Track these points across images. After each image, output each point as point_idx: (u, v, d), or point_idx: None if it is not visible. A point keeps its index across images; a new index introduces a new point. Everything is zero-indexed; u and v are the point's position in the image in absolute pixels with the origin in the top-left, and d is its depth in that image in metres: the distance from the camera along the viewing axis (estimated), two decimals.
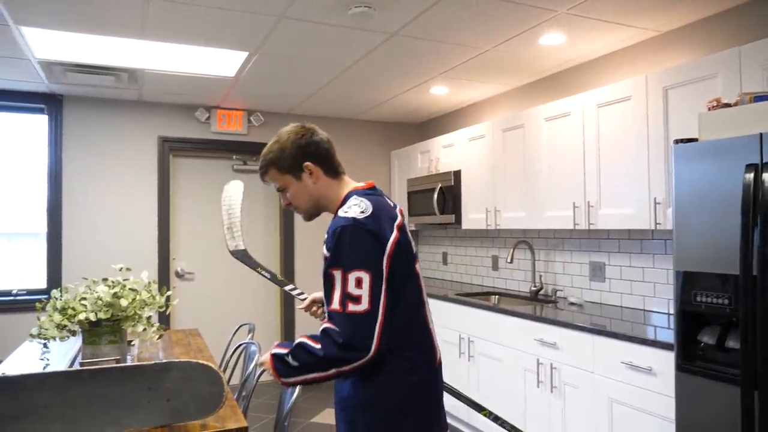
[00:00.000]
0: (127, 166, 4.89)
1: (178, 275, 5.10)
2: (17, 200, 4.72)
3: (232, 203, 2.21)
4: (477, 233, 4.90)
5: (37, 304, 2.52)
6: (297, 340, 1.58)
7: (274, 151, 1.70)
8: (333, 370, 1.50)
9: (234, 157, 5.36)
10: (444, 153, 4.78)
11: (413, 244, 1.67)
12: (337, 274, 1.50)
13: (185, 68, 3.96)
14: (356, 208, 1.55)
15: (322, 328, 1.52)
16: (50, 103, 4.64)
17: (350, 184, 1.73)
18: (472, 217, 4.40)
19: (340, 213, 1.58)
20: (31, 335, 2.34)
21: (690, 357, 2.22)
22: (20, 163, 4.72)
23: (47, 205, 4.64)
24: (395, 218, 1.61)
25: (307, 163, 1.68)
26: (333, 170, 1.72)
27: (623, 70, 3.54)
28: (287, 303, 5.40)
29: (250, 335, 3.33)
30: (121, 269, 2.58)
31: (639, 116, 2.98)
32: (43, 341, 2.37)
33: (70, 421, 1.72)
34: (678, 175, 2.24)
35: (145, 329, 2.44)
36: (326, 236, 1.57)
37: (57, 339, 2.34)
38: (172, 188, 5.11)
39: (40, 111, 4.68)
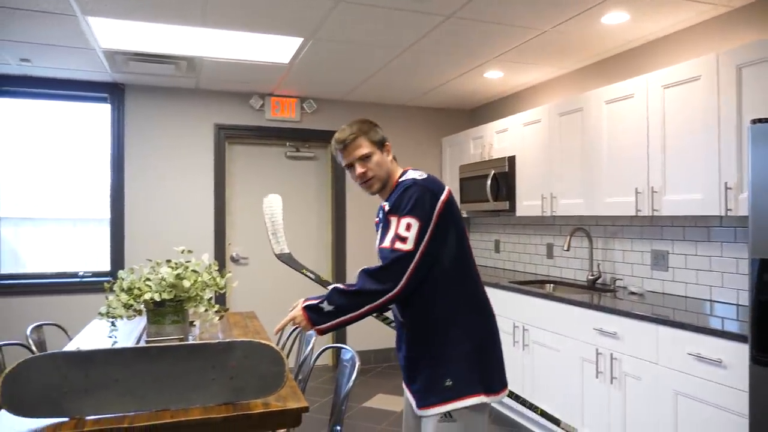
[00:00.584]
0: (185, 153, 5.02)
1: (234, 260, 5.21)
2: (82, 187, 4.90)
3: (273, 212, 2.36)
4: (531, 220, 4.81)
5: (105, 284, 2.62)
6: (331, 287, 1.81)
7: (365, 125, 1.96)
8: (366, 307, 1.75)
9: (287, 143, 5.42)
10: (497, 138, 4.69)
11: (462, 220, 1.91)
12: (393, 220, 1.79)
13: (241, 56, 4.01)
14: (415, 173, 1.89)
15: (359, 272, 1.79)
16: (113, 92, 4.79)
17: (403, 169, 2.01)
18: (526, 204, 4.31)
19: (402, 179, 1.89)
20: (100, 314, 2.43)
21: (766, 349, 2.11)
22: (84, 151, 4.90)
23: (110, 192, 4.81)
24: (444, 185, 1.89)
25: (388, 143, 1.99)
26: (393, 156, 2.04)
27: (689, 49, 3.38)
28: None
29: None
30: (182, 251, 2.65)
31: (709, 97, 2.84)
32: (111, 320, 2.46)
33: (139, 395, 1.79)
34: (754, 157, 2.13)
35: (206, 310, 2.50)
36: (390, 197, 1.87)
37: (124, 318, 2.43)
38: (228, 175, 5.21)
39: (104, 100, 4.84)
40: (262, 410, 1.84)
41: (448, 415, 1.79)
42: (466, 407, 1.78)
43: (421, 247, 1.74)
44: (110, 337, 2.64)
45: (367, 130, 1.94)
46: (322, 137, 5.44)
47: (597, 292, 3.71)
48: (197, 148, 5.05)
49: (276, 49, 3.86)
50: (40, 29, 3.46)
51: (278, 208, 2.43)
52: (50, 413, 1.71)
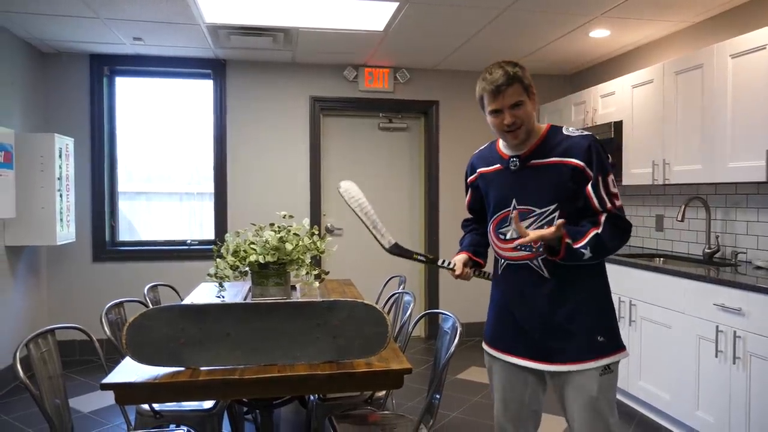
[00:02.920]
0: (282, 126, 5.15)
1: (328, 230, 5.33)
2: (188, 163, 5.18)
3: (360, 203, 2.22)
4: (638, 189, 4.53)
5: (214, 248, 2.74)
6: (592, 233, 1.80)
7: (520, 70, 1.86)
8: (616, 246, 1.85)
9: (380, 114, 5.43)
10: (602, 103, 4.44)
11: None
12: (601, 178, 1.82)
13: (337, 25, 4.03)
14: (579, 130, 1.91)
15: (604, 218, 1.81)
16: (215, 67, 4.99)
17: None
18: (635, 172, 4.06)
19: (573, 133, 1.87)
20: (209, 275, 2.54)
21: None
22: (189, 127, 5.16)
23: (214, 166, 5.04)
24: None
25: (534, 93, 1.91)
26: None
27: None
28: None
29: (401, 286, 3.39)
30: (284, 216, 2.71)
31: None
32: (218, 280, 2.57)
33: (248, 350, 1.86)
34: None
35: (307, 273, 2.56)
36: (575, 152, 1.84)
37: (230, 279, 2.53)
38: (322, 147, 5.30)
39: (207, 76, 5.05)
40: (365, 369, 1.86)
41: (607, 368, 1.85)
42: (617, 361, 1.87)
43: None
44: (218, 297, 2.77)
45: (522, 74, 1.85)
46: (415, 108, 5.41)
47: (715, 267, 3.45)
48: (293, 121, 5.17)
49: (371, 16, 3.84)
50: (151, 7, 3.65)
51: (359, 194, 2.24)
52: (168, 362, 1.82)
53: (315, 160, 5.19)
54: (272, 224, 2.61)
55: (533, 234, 1.77)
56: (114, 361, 2.03)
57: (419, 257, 2.21)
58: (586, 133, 1.88)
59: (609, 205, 1.83)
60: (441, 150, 5.45)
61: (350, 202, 2.22)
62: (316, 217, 5.17)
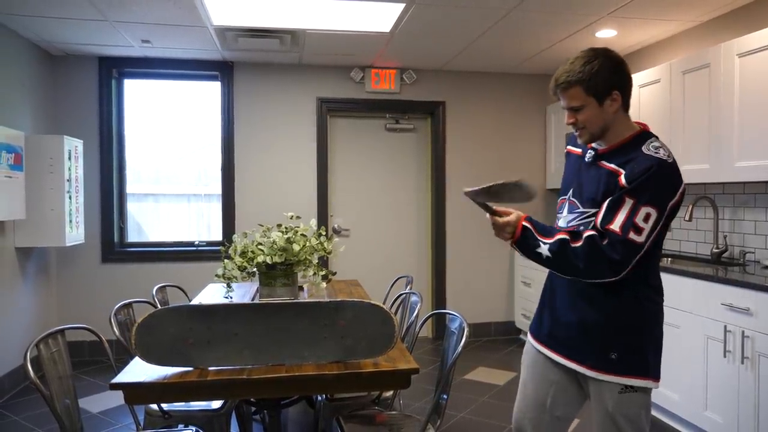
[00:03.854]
0: (289, 128, 5.16)
1: (335, 231, 5.34)
2: (196, 165, 5.21)
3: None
4: None
5: (221, 248, 2.75)
6: (558, 236, 1.71)
7: (586, 72, 1.72)
8: (576, 272, 1.70)
9: (387, 115, 5.43)
10: None
11: None
12: (630, 202, 1.65)
13: (343, 26, 4.04)
14: (663, 151, 1.68)
15: (588, 234, 1.68)
16: (223, 69, 5.01)
17: (631, 120, 1.80)
18: None
19: (647, 152, 1.68)
20: (217, 275, 2.56)
21: None
22: (197, 130, 5.18)
23: (222, 168, 5.06)
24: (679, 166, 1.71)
25: (615, 93, 1.73)
26: (628, 105, 1.79)
27: None
28: (438, 257, 5.44)
29: (408, 287, 3.38)
30: (291, 217, 2.72)
31: None
32: (226, 281, 2.59)
33: (256, 350, 1.86)
34: None
35: (314, 273, 2.56)
36: (630, 168, 1.68)
37: (238, 279, 2.55)
38: (330, 148, 5.31)
39: (214, 78, 5.07)
40: (372, 369, 1.86)
41: (629, 388, 1.78)
42: (643, 387, 1.80)
43: (650, 242, 1.66)
44: (226, 297, 2.79)
45: (587, 79, 1.71)
46: (421, 108, 5.41)
47: (723, 266, 3.43)
48: (301, 123, 5.18)
49: (378, 17, 3.85)
50: (158, 10, 3.67)
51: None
52: (177, 362, 1.83)
53: (322, 160, 5.20)
54: (280, 225, 2.61)
55: (500, 220, 1.77)
56: (123, 362, 2.04)
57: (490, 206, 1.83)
58: (662, 157, 1.66)
59: (613, 227, 1.66)
60: (448, 150, 5.44)
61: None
62: (323, 217, 5.18)
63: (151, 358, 1.81)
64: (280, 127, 5.15)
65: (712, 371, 2.99)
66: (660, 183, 1.63)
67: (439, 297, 5.45)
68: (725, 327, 2.89)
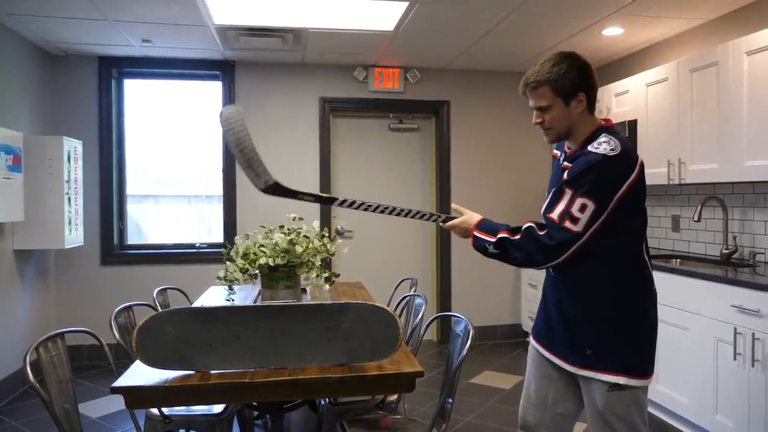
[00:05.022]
0: (292, 127, 5.16)
1: (339, 233, 5.34)
2: (196, 166, 5.21)
3: (238, 136, 2.00)
4: (654, 190, 4.50)
5: (223, 250, 2.75)
6: (500, 234, 1.85)
7: (555, 73, 1.81)
8: (519, 262, 1.83)
9: (390, 115, 5.43)
10: (616, 102, 4.42)
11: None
12: (568, 193, 1.74)
13: (346, 25, 4.04)
14: (606, 146, 1.74)
15: (526, 226, 1.81)
16: (224, 69, 5.02)
17: (597, 120, 1.88)
18: (649, 172, 4.00)
19: (591, 148, 1.76)
20: (219, 277, 2.57)
21: None
22: (197, 130, 5.19)
23: (223, 169, 5.07)
24: (636, 159, 1.76)
25: (581, 94, 1.82)
26: (593, 105, 1.87)
27: None
28: (443, 259, 5.44)
29: (413, 289, 3.38)
30: (294, 218, 2.72)
31: None
32: (228, 283, 2.59)
33: (259, 353, 1.86)
34: None
35: (317, 275, 2.57)
36: (574, 164, 1.78)
37: (240, 282, 2.55)
38: (332, 148, 5.31)
39: (216, 78, 5.08)
40: (376, 372, 1.87)
41: (617, 386, 1.81)
42: (631, 386, 1.83)
43: (590, 232, 1.72)
44: (228, 300, 2.79)
45: (557, 77, 1.80)
46: (426, 108, 5.41)
47: (732, 267, 3.42)
48: (303, 122, 5.18)
49: (381, 16, 3.85)
50: (159, 9, 3.67)
51: (241, 125, 2.01)
52: (178, 365, 1.83)
53: (325, 161, 5.21)
54: (282, 226, 2.62)
55: (450, 222, 2.00)
56: (123, 366, 2.04)
57: (307, 198, 2.08)
58: (603, 152, 1.73)
59: (552, 215, 1.76)
60: (452, 150, 5.44)
61: (227, 134, 2.00)
62: (326, 219, 5.18)
63: (152, 361, 1.81)
64: (282, 127, 5.15)
65: (722, 374, 2.98)
66: (598, 177, 1.70)
67: (444, 299, 5.45)
68: (735, 329, 2.88)
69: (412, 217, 2.11)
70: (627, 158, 1.75)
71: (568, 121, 1.84)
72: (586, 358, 1.83)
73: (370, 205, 2.10)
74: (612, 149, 1.73)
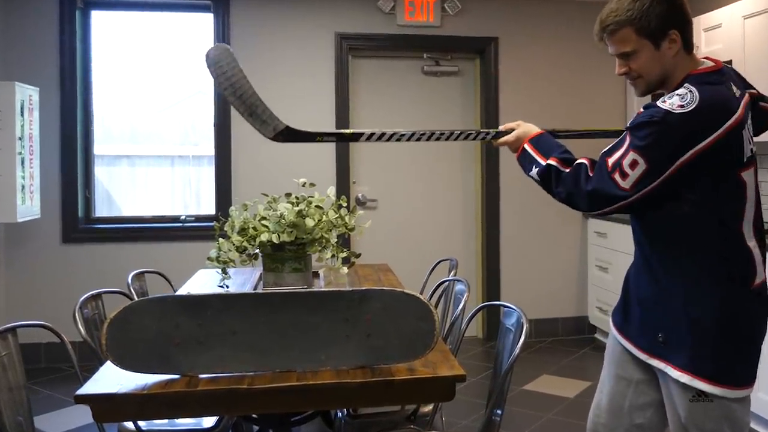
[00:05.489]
0: (301, 71, 5.14)
1: (359, 202, 5.34)
2: (182, 120, 5.21)
3: (233, 81, 2.05)
4: (760, 148, 4.37)
5: (215, 225, 2.75)
6: (550, 161, 1.93)
7: (637, 9, 1.79)
8: (559, 199, 1.92)
9: (424, 55, 5.39)
10: (706, 38, 4.36)
11: (748, 144, 1.81)
12: (626, 141, 1.78)
13: None
14: (677, 99, 1.72)
15: (579, 162, 1.88)
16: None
17: (697, 63, 1.86)
18: None
19: (659, 102, 1.75)
20: (209, 259, 2.58)
21: None
22: (184, 76, 5.17)
23: (215, 124, 5.06)
24: (727, 117, 1.71)
25: (673, 32, 1.80)
26: (690, 44, 1.86)
27: None
28: (491, 235, 5.43)
29: (452, 272, 3.36)
30: (303, 184, 2.71)
31: None
32: (221, 266, 2.59)
33: (259, 352, 1.86)
34: None
35: (333, 255, 2.55)
36: (642, 113, 1.80)
37: (236, 262, 2.55)
38: (352, 97, 5.28)
39: (206, 9, 5.05)
40: (406, 377, 1.85)
41: (702, 395, 1.80)
42: (721, 396, 1.81)
43: (641, 194, 1.76)
44: (221, 286, 2.79)
45: (641, 14, 1.79)
46: (468, 46, 5.36)
47: None
48: (315, 64, 5.16)
49: None
50: None
51: (233, 67, 2.06)
52: (159, 368, 1.83)
53: (342, 113, 5.18)
54: (289, 194, 2.61)
55: (503, 139, 2.12)
56: (90, 369, 2.05)
57: (328, 139, 2.16)
58: (666, 107, 1.72)
59: (609, 159, 1.80)
60: (502, 98, 5.39)
61: (219, 81, 2.05)
62: (344, 185, 5.17)
63: (126, 363, 1.81)
64: (288, 71, 5.12)
65: None
66: (655, 135, 1.72)
67: (491, 285, 5.45)
68: None
69: (455, 139, 2.19)
70: (705, 115, 1.71)
71: (661, 67, 1.84)
72: (657, 344, 1.86)
73: (403, 134, 2.17)
74: (683, 104, 1.71)
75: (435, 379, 1.87)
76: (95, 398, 1.78)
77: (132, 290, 3.12)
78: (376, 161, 5.36)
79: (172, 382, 1.82)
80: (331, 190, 2.68)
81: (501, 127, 2.17)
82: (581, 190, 1.83)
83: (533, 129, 2.07)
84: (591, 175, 1.83)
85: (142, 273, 3.38)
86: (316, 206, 2.54)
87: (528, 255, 5.48)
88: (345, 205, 2.66)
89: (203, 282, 3.27)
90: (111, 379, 1.85)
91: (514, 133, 2.09)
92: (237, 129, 5.04)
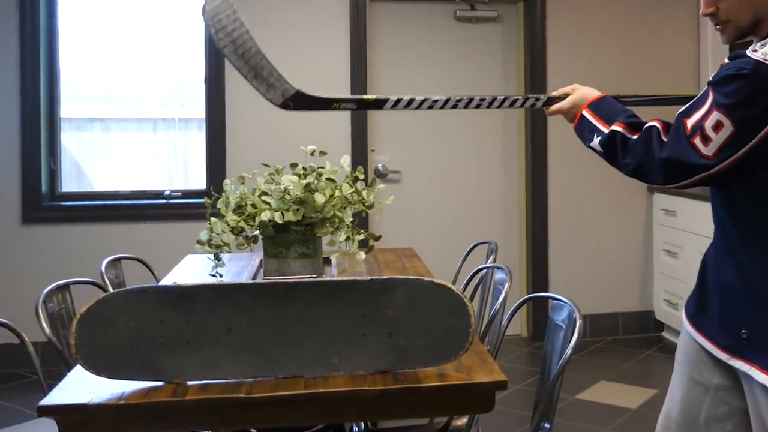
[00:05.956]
0: (309, 17, 5.16)
1: (379, 174, 5.36)
2: (166, 75, 5.20)
3: (234, 37, 2.04)
4: None
5: (206, 201, 2.75)
6: (614, 127, 1.95)
7: None
8: (627, 171, 1.93)
9: None
10: None
11: None
12: (709, 98, 1.76)
13: None
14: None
15: (650, 125, 1.89)
16: None
17: None
18: None
19: (749, 51, 1.73)
20: (199, 242, 2.59)
21: None
22: (164, 23, 5.16)
23: (206, 81, 5.07)
24: None
25: None
26: None
27: None
28: (536, 215, 5.44)
29: (491, 258, 3.37)
30: (313, 153, 2.71)
31: None
32: (213, 251, 2.59)
33: (260, 354, 1.87)
34: None
35: (348, 238, 2.55)
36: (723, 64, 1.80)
37: (231, 246, 2.55)
38: (370, 48, 5.27)
39: None
40: (435, 383, 1.85)
41: None
42: None
43: (726, 163, 1.74)
44: (213, 275, 2.79)
45: None
46: None
47: None
48: (325, 9, 5.17)
49: None
50: None
51: (235, 20, 2.05)
52: (140, 373, 1.83)
53: (359, 67, 5.18)
54: (295, 165, 2.62)
55: (557, 106, 2.16)
56: (57, 375, 2.06)
57: (346, 105, 2.19)
58: (762, 59, 1.71)
59: (687, 120, 1.79)
60: (549, 49, 5.38)
61: (219, 37, 2.04)
62: (360, 154, 5.18)
63: (99, 367, 1.81)
64: (293, 18, 5.13)
65: None
66: (742, 92, 1.70)
67: (537, 273, 5.46)
68: None
69: (498, 106, 2.20)
70: None
71: (754, 8, 1.81)
72: (740, 342, 1.84)
73: (435, 101, 2.14)
74: None
75: (470, 387, 1.88)
76: (62, 410, 1.78)
77: (106, 280, 3.14)
78: (400, 125, 5.36)
79: (154, 390, 1.82)
80: (346, 160, 2.68)
81: (554, 93, 2.18)
82: (653, 159, 1.83)
83: (592, 93, 2.09)
84: (665, 140, 1.82)
85: (119, 259, 3.42)
86: (327, 179, 2.54)
87: (581, 237, 5.48)
88: (362, 177, 2.66)
89: (192, 270, 3.29)
90: (81, 386, 1.85)
91: (569, 99, 2.12)
92: (233, 87, 5.04)
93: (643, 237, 5.54)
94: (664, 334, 5.46)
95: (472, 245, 3.68)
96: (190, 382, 1.85)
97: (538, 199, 5.41)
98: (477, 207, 5.47)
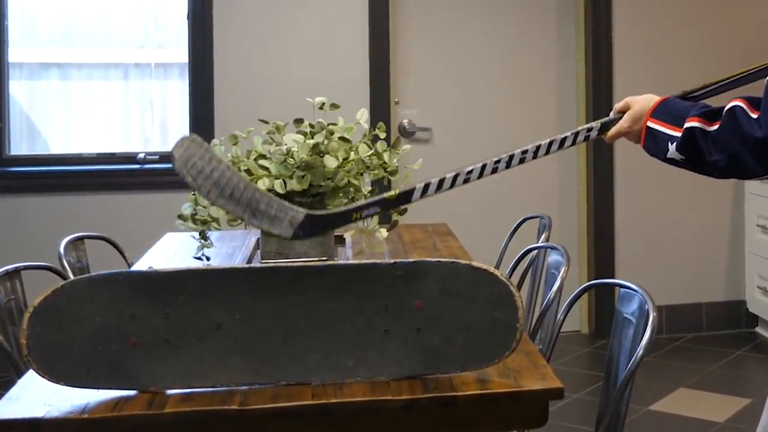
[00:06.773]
0: None
1: (405, 132, 5.37)
2: (140, 11, 5.20)
3: (214, 178, 2.01)
4: None
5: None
6: (688, 124, 1.92)
7: None
8: (721, 171, 1.93)
9: None
10: None
11: None
12: None
13: None
14: None
15: (732, 105, 1.85)
16: None
17: None
18: None
19: None
20: (181, 217, 2.58)
21: None
22: None
23: (189, 17, 5.09)
24: None
25: None
26: None
27: None
28: (598, 185, 5.47)
29: (543, 236, 3.37)
30: (321, 106, 2.69)
31: None
32: (199, 228, 2.59)
33: (256, 356, 1.87)
34: None
35: None
36: None
37: (220, 224, 2.55)
38: (392, 26, 5.33)
39: None
40: (475, 392, 1.86)
41: None
42: None
43: None
44: (199, 258, 2.81)
45: None
46: None
47: None
48: None
49: None
50: None
51: (209, 160, 2.06)
52: (107, 380, 1.83)
53: (378, 52, 5.31)
54: (300, 121, 2.62)
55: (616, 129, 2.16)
56: (5, 382, 2.08)
57: (367, 210, 2.14)
58: None
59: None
60: (615, 17, 5.39)
61: (197, 185, 2.02)
62: (381, 107, 5.21)
63: (57, 373, 1.82)
64: None
65: None
66: None
67: (600, 257, 5.49)
68: None
69: (546, 153, 2.20)
70: None
71: None
72: None
73: (470, 171, 2.25)
74: None
75: (518, 395, 1.89)
76: (12, 425, 1.78)
77: (66, 264, 3.14)
78: (429, 70, 5.40)
79: (126, 401, 1.82)
80: (363, 115, 2.69)
81: (609, 115, 2.21)
82: (748, 144, 1.82)
83: (652, 99, 2.09)
84: (752, 117, 1.80)
85: (81, 238, 3.44)
86: (340, 138, 2.54)
87: (656, 212, 5.51)
88: (383, 137, 2.67)
89: (172, 252, 3.31)
90: (35, 396, 1.86)
91: (627, 117, 2.12)
92: (222, 23, 5.05)
93: (732, 212, 5.57)
94: (759, 329, 5.48)
95: (520, 220, 3.71)
96: (169, 391, 1.85)
97: (600, 165, 5.44)
98: (525, 173, 5.43)
